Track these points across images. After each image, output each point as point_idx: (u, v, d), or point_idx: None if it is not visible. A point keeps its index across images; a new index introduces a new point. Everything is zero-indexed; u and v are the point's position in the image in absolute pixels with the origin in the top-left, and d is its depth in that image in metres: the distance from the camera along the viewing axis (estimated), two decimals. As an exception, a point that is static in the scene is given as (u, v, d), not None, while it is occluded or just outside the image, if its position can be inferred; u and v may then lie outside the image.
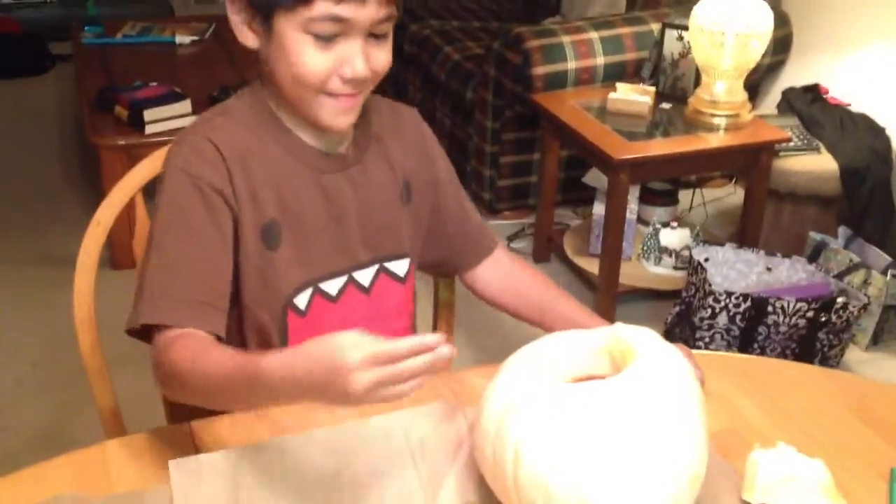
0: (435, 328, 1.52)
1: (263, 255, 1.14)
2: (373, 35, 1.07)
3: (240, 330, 1.18)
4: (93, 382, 1.28)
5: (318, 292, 1.19)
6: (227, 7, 1.11)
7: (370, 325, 1.21)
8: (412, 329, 1.34)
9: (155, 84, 3.02)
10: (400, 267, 1.26)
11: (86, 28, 3.79)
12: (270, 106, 1.15)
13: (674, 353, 0.94)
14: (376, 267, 1.24)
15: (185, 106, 2.90)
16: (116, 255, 2.82)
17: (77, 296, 1.25)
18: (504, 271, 1.37)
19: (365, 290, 1.23)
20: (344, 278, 1.21)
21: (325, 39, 1.05)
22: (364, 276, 1.23)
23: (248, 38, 1.11)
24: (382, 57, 1.10)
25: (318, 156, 1.16)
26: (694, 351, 1.20)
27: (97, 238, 1.26)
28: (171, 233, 1.09)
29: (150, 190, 1.30)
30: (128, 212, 1.30)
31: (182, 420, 1.11)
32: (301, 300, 1.18)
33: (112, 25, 3.85)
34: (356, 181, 1.19)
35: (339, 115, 1.11)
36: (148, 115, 2.81)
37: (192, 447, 1.06)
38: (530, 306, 1.34)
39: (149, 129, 2.81)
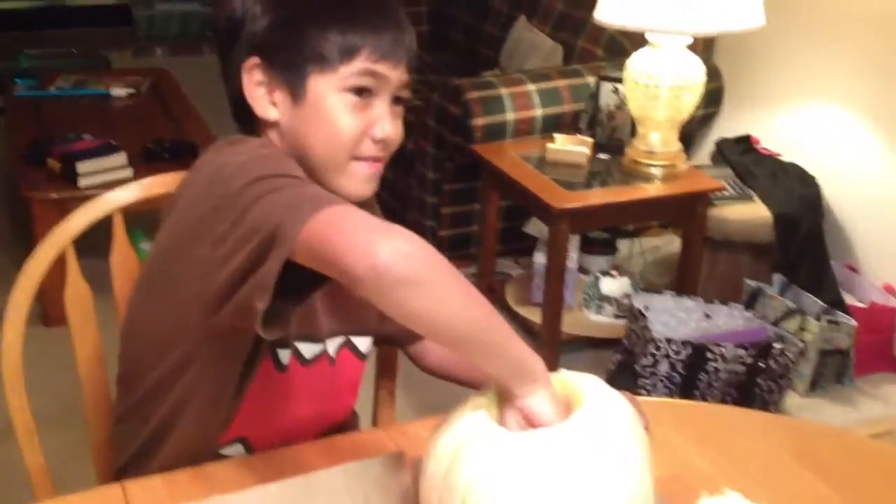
0: (377, 386, 1.49)
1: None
2: (393, 101, 1.11)
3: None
4: (21, 442, 1.23)
5: (296, 355, 1.15)
6: (244, 80, 1.08)
7: (314, 394, 1.19)
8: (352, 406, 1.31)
9: (89, 137, 2.97)
10: (363, 343, 1.25)
11: (18, 80, 3.74)
12: None
13: (618, 398, 0.94)
14: (342, 340, 1.22)
15: (121, 158, 2.86)
16: (48, 310, 2.75)
17: (5, 351, 1.20)
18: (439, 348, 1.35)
19: (331, 362, 1.20)
20: (320, 346, 1.18)
21: (359, 96, 1.07)
22: (331, 346, 1.20)
23: (269, 109, 1.09)
24: (399, 126, 1.12)
25: None
26: (638, 398, 1.19)
27: (26, 291, 1.22)
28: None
29: (81, 243, 1.27)
30: (59, 265, 1.26)
31: (113, 480, 1.07)
32: (285, 353, 1.14)
33: (46, 78, 3.80)
34: None
35: (365, 181, 1.11)
36: (81, 167, 2.76)
37: (125, 508, 1.02)
38: (472, 369, 1.27)
39: (82, 182, 2.76)
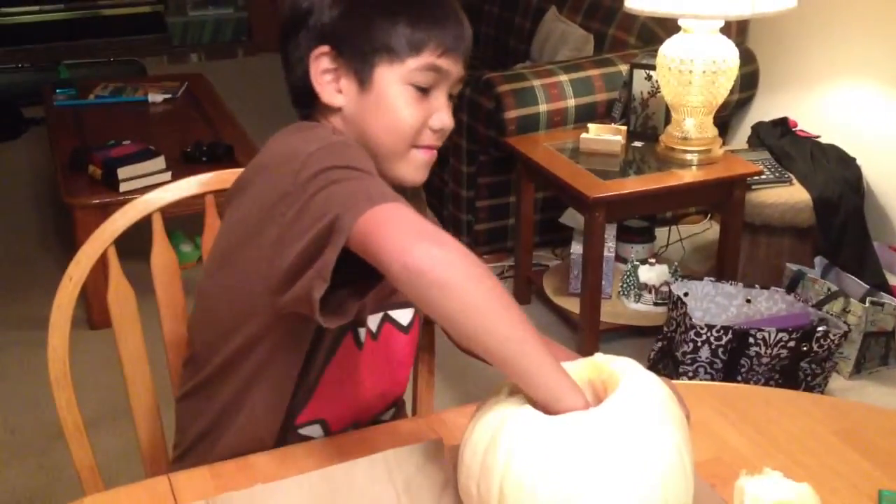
0: (416, 372, 1.50)
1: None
2: (449, 94, 1.15)
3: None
4: (70, 440, 1.25)
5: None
6: (311, 66, 1.11)
7: (376, 371, 1.21)
8: (407, 378, 1.32)
9: (128, 142, 3.02)
10: (404, 316, 1.25)
11: (58, 91, 3.80)
12: None
13: (655, 380, 0.94)
14: (381, 315, 1.22)
15: (159, 163, 2.90)
16: (93, 314, 2.80)
17: (51, 352, 1.23)
18: None
19: (374, 337, 1.22)
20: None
21: (422, 91, 1.11)
22: (372, 323, 1.21)
23: (335, 96, 1.12)
24: (451, 117, 1.16)
25: None
26: (677, 381, 1.19)
27: (69, 294, 1.24)
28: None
29: (123, 244, 1.30)
30: (101, 268, 1.29)
31: (162, 475, 1.09)
32: (363, 331, 1.18)
33: (84, 87, 3.86)
34: None
35: (421, 168, 1.15)
36: (122, 172, 2.80)
37: (172, 500, 1.04)
38: None
39: (123, 187, 2.80)
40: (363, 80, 1.10)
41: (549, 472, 0.85)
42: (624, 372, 0.94)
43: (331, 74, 1.12)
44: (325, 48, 1.11)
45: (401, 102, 1.10)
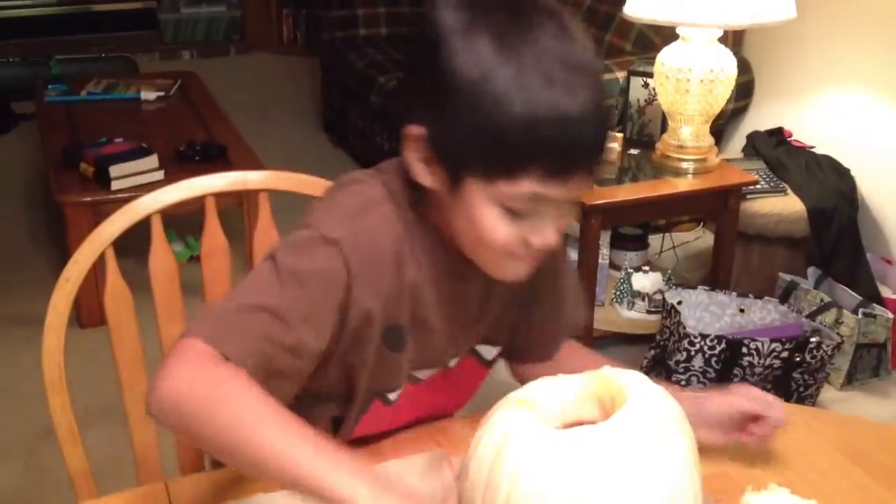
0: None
1: (383, 354, 1.05)
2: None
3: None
4: (62, 443, 1.24)
5: (410, 379, 1.13)
6: (404, 142, 0.97)
7: (436, 402, 1.18)
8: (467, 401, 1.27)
9: (121, 140, 2.99)
10: (489, 352, 1.20)
11: (49, 86, 3.77)
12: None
13: (664, 394, 0.93)
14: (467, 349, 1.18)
15: (152, 161, 2.88)
16: (84, 314, 2.77)
17: (46, 354, 1.21)
18: (549, 371, 1.31)
19: (444, 370, 1.17)
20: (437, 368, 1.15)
21: (518, 214, 0.94)
22: (453, 360, 1.17)
23: (426, 177, 0.97)
24: (570, 217, 1.00)
25: (460, 266, 1.05)
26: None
27: (66, 295, 1.22)
28: (284, 282, 0.95)
29: (120, 245, 1.28)
30: (94, 267, 1.27)
31: (152, 480, 1.08)
32: (394, 393, 1.12)
33: (76, 83, 3.83)
34: (482, 286, 1.10)
35: (511, 273, 1.02)
36: (114, 170, 2.78)
37: (169, 508, 1.02)
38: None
39: (115, 185, 2.77)
40: (452, 182, 0.95)
41: (556, 487, 0.84)
42: (632, 386, 0.92)
43: (421, 158, 0.97)
44: (420, 130, 0.95)
45: (490, 221, 0.94)
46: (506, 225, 0.95)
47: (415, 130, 0.96)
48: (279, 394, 0.89)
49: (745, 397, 1.12)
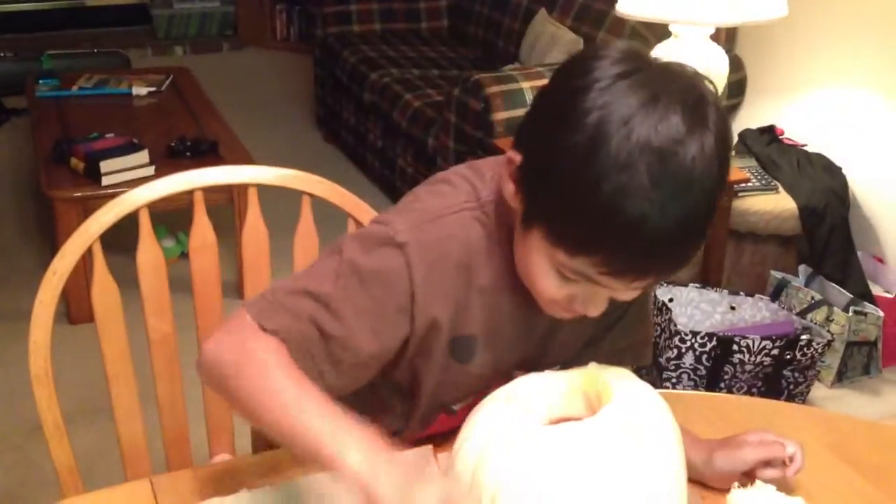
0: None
1: (450, 365, 1.04)
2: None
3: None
4: (49, 438, 1.23)
5: (447, 411, 1.13)
6: (505, 163, 0.94)
7: None
8: None
9: (112, 135, 2.98)
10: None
11: (40, 81, 3.75)
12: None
13: (650, 390, 0.93)
14: None
15: (143, 157, 2.87)
16: (72, 309, 2.76)
17: (33, 348, 1.20)
18: None
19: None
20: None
21: (570, 280, 0.92)
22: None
23: (512, 198, 0.95)
24: (630, 295, 0.95)
25: None
26: (665, 391, 1.18)
27: (53, 289, 1.22)
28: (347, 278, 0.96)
29: (110, 242, 1.27)
30: (84, 263, 1.26)
31: (140, 476, 1.07)
32: (459, 404, 1.12)
33: (68, 78, 3.81)
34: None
35: (558, 314, 1.00)
36: (104, 166, 2.77)
37: (154, 503, 1.02)
38: None
39: (105, 181, 2.76)
40: (524, 221, 0.93)
41: (542, 483, 0.84)
42: (618, 382, 0.92)
43: (513, 179, 0.94)
44: (517, 156, 0.93)
45: (542, 274, 0.93)
46: (554, 281, 0.93)
47: (515, 156, 0.93)
48: (325, 382, 0.94)
49: (759, 446, 1.06)
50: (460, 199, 1.01)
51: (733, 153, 3.09)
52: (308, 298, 0.96)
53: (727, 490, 1.05)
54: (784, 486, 1.00)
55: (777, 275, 2.76)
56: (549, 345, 1.10)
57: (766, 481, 1.04)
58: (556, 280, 0.92)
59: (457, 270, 0.99)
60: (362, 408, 0.94)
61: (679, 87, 0.86)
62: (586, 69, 0.87)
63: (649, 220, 0.82)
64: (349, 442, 0.85)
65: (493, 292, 1.02)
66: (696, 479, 1.05)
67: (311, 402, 0.88)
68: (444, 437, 1.11)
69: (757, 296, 2.55)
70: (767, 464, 1.05)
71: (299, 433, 0.87)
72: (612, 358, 1.09)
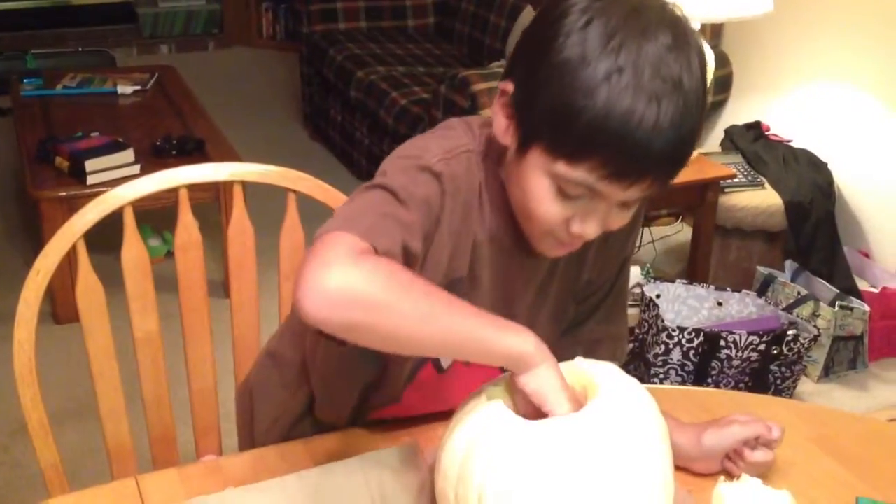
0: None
1: None
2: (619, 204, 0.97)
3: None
4: (34, 438, 1.22)
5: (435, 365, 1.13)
6: (497, 96, 0.99)
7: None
8: None
9: (97, 134, 2.96)
10: None
11: (24, 80, 3.73)
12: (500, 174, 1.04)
13: (636, 385, 0.93)
14: None
15: (128, 156, 2.85)
16: (58, 308, 2.75)
17: (17, 347, 1.20)
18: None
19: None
20: None
21: (569, 197, 0.94)
22: None
23: (504, 134, 0.98)
24: (622, 218, 0.98)
25: (521, 236, 1.05)
26: (651, 386, 1.18)
27: (37, 287, 1.21)
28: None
29: (95, 241, 1.26)
30: (69, 262, 1.25)
31: (126, 475, 1.07)
32: (448, 360, 1.12)
33: (52, 77, 3.79)
34: (542, 272, 1.11)
35: (555, 250, 1.03)
36: (89, 165, 2.75)
37: (140, 502, 1.01)
38: None
39: (90, 180, 2.75)
40: (521, 145, 0.96)
41: (528, 479, 0.84)
42: (604, 377, 0.92)
43: (504, 114, 0.98)
44: (509, 85, 0.97)
45: (541, 194, 0.95)
46: (553, 202, 0.95)
47: (507, 86, 0.97)
48: None
49: (742, 424, 1.09)
50: (465, 141, 1.04)
51: (719, 149, 3.10)
52: (390, 218, 0.94)
53: (714, 475, 1.05)
54: (770, 480, 1.00)
55: (763, 270, 2.77)
56: (533, 316, 1.13)
57: (755, 464, 1.05)
58: (554, 199, 0.95)
59: (464, 208, 1.02)
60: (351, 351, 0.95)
61: (657, 4, 0.93)
62: None
63: (644, 118, 0.88)
64: (518, 337, 0.89)
65: (480, 237, 1.04)
66: (684, 465, 1.07)
67: (469, 311, 0.89)
68: (431, 430, 1.11)
69: (743, 291, 2.56)
70: (755, 447, 1.08)
71: (470, 342, 0.89)
72: (589, 348, 1.15)
